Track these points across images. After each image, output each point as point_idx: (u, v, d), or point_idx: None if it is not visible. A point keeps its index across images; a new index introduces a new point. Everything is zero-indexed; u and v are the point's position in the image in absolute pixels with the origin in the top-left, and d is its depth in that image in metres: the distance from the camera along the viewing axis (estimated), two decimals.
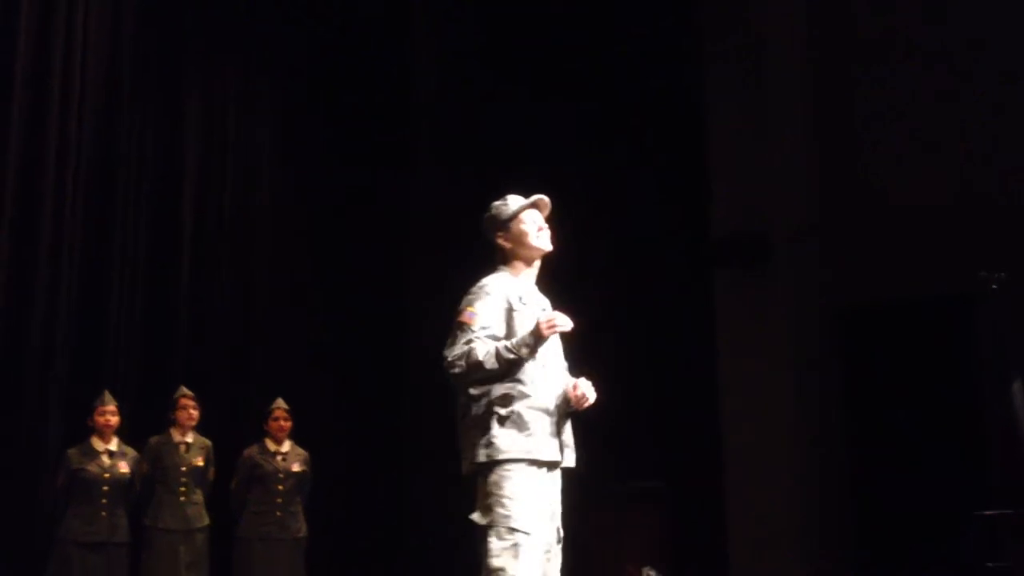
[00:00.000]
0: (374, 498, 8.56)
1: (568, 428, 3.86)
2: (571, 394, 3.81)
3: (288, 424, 7.19)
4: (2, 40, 7.05)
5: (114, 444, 6.55)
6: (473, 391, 3.71)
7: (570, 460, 3.84)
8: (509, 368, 3.67)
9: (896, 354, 7.66)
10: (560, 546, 3.81)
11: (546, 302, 4.00)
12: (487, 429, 3.67)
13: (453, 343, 3.72)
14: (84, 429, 6.57)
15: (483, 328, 3.73)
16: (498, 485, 3.62)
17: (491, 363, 3.64)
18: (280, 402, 7.24)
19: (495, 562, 3.54)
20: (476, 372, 3.66)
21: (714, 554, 7.57)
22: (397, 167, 9.46)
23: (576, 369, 4.03)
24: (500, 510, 3.59)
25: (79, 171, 7.36)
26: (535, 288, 3.99)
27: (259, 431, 7.26)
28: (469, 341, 3.69)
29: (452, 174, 9.22)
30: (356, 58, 9.33)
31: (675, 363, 8.21)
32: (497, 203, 3.99)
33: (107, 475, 6.42)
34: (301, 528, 7.09)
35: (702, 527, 7.72)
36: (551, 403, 3.80)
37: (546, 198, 3.98)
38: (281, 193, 8.79)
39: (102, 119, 7.58)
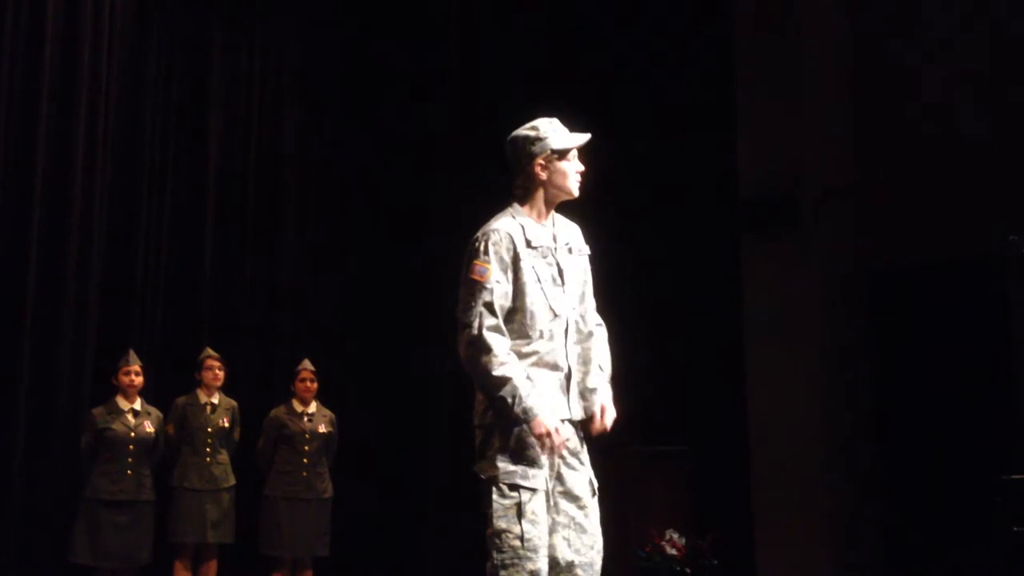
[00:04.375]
0: (400, 459, 8.59)
1: (576, 381, 3.59)
2: (596, 423, 3.60)
3: (314, 385, 7.23)
4: None
5: (138, 403, 6.62)
6: (472, 363, 3.44)
7: (577, 412, 3.57)
8: (494, 403, 3.41)
9: (925, 317, 7.60)
10: (595, 499, 3.61)
11: (569, 243, 3.69)
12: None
13: (467, 307, 3.44)
14: (108, 389, 6.62)
15: (497, 283, 3.46)
16: (501, 437, 3.44)
17: (495, 392, 3.38)
18: (307, 363, 7.28)
19: (499, 523, 3.38)
20: (479, 380, 3.43)
21: (737, 517, 7.56)
22: (428, 117, 9.40)
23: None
24: (502, 465, 3.41)
25: (107, 132, 7.38)
26: (550, 228, 3.65)
27: (286, 392, 7.30)
28: (494, 330, 3.42)
29: (477, 135, 9.16)
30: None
31: (700, 326, 8.17)
32: (543, 123, 3.63)
33: (132, 434, 6.49)
34: (327, 489, 7.14)
35: (725, 490, 7.70)
36: (562, 356, 3.56)
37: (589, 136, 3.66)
38: (306, 152, 8.79)
39: (127, 80, 7.59)
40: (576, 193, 3.66)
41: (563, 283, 3.61)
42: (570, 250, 3.68)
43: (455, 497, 8.34)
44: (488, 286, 3.46)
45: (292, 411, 7.16)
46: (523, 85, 8.87)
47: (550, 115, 3.76)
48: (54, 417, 6.82)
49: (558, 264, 3.61)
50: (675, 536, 7.15)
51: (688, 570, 7.06)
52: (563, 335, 3.59)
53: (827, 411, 7.56)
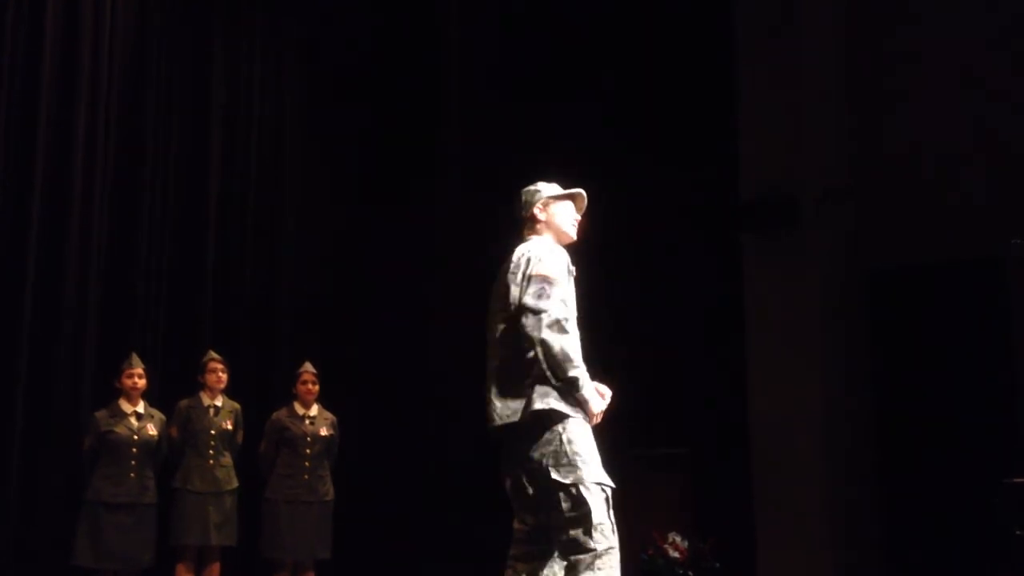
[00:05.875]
0: (401, 461, 8.59)
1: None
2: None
3: (316, 388, 7.23)
4: None
5: (141, 406, 6.61)
6: (554, 343, 3.74)
7: None
8: (566, 384, 3.75)
9: (925, 318, 7.60)
10: None
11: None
12: (552, 382, 3.76)
13: (544, 296, 3.78)
14: (111, 391, 6.63)
15: (567, 288, 3.86)
16: (571, 441, 3.74)
17: (572, 372, 3.73)
18: (308, 366, 7.27)
19: (596, 517, 3.67)
20: (557, 359, 3.73)
21: (739, 520, 7.58)
22: (428, 117, 9.39)
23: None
24: (584, 466, 3.72)
25: (107, 133, 7.37)
26: None
27: (287, 394, 7.31)
28: (568, 321, 3.78)
29: (478, 136, 9.17)
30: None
31: (701, 328, 8.18)
32: (542, 183, 4.18)
33: (135, 437, 6.49)
34: (328, 491, 7.13)
35: (727, 493, 7.71)
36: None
37: (584, 194, 4.16)
38: (308, 154, 8.77)
39: (129, 78, 7.59)
40: (573, 236, 4.15)
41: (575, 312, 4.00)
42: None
43: (456, 498, 8.37)
44: (560, 284, 3.84)
45: (294, 414, 7.16)
46: (524, 86, 8.89)
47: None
48: (54, 419, 6.81)
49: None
50: (677, 539, 7.17)
51: (690, 573, 7.08)
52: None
53: (827, 413, 7.57)
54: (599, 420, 3.86)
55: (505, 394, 3.79)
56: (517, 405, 3.76)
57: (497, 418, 3.80)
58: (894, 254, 7.78)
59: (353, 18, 9.15)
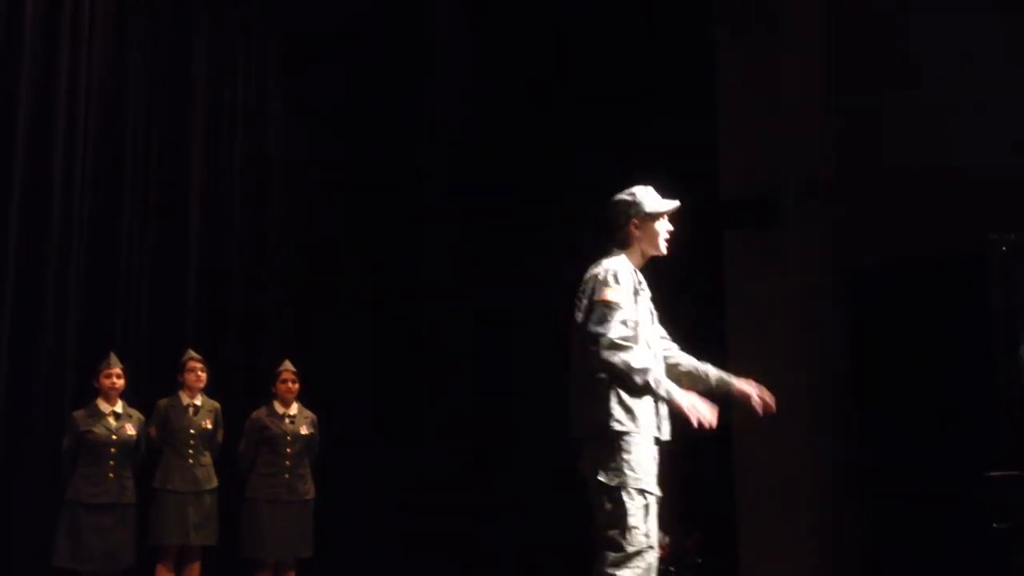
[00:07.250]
0: (382, 460, 8.57)
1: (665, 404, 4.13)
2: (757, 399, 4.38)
3: (296, 386, 7.21)
4: None
5: (119, 406, 6.58)
6: (616, 362, 3.94)
7: (667, 433, 4.14)
8: (642, 391, 3.97)
9: (906, 316, 7.62)
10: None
11: (648, 292, 4.26)
12: (615, 399, 3.97)
13: (604, 321, 3.96)
14: (89, 391, 6.59)
15: (628, 307, 4.01)
16: (625, 451, 3.95)
17: (640, 379, 3.93)
18: (288, 364, 7.26)
19: (632, 520, 3.90)
20: (623, 374, 3.94)
21: (721, 516, 7.58)
22: (412, 106, 9.35)
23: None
24: (631, 473, 3.94)
25: (88, 130, 7.32)
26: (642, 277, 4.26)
27: (267, 393, 7.27)
28: (628, 340, 3.94)
29: (468, 134, 9.16)
30: None
31: (683, 326, 8.15)
32: (639, 190, 4.25)
33: (114, 437, 6.46)
34: (309, 490, 7.12)
35: (709, 489, 7.71)
36: None
37: (679, 204, 4.27)
38: (292, 150, 8.72)
39: (110, 75, 7.54)
40: (664, 252, 4.26)
41: (653, 323, 4.25)
42: (651, 298, 4.28)
43: (439, 497, 8.36)
44: (622, 307, 4.00)
45: (274, 413, 7.14)
46: (511, 85, 8.90)
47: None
48: (33, 419, 6.77)
49: (651, 308, 4.24)
50: (659, 535, 7.14)
51: (672, 569, 7.06)
52: (656, 362, 4.15)
53: (810, 410, 7.57)
54: (704, 420, 4.03)
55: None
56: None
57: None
58: (876, 251, 7.79)
59: (341, 10, 9.10)
